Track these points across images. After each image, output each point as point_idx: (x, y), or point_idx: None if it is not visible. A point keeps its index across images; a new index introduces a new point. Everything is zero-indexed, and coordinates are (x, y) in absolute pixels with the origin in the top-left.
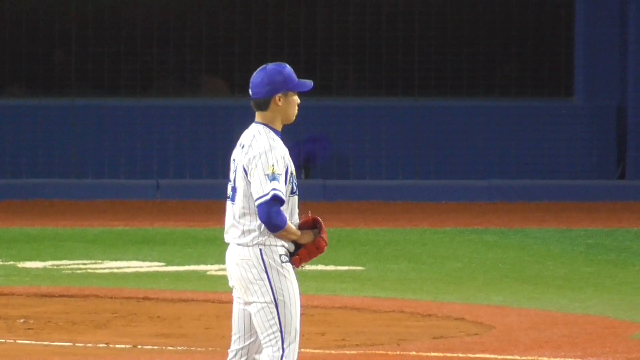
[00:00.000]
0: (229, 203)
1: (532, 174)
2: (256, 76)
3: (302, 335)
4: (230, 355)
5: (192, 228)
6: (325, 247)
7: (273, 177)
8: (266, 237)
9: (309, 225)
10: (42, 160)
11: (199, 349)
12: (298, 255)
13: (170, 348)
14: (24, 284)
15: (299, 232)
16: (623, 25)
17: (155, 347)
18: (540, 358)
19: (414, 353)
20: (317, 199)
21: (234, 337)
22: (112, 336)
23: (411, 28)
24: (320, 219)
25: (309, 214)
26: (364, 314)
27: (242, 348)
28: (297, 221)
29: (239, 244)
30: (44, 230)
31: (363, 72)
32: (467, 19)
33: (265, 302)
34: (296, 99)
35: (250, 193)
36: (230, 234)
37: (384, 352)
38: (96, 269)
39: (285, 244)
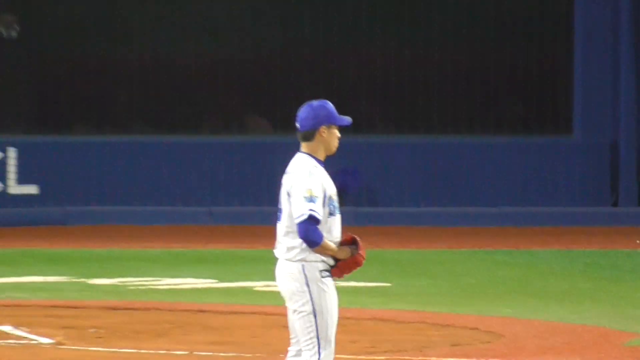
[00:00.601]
0: (278, 223)
1: (537, 202)
2: (303, 111)
3: (336, 342)
4: (290, 353)
5: (241, 249)
6: (363, 262)
7: (310, 199)
8: (307, 253)
9: (349, 242)
10: (109, 190)
11: (247, 355)
12: (337, 267)
13: (222, 354)
14: (94, 299)
15: (335, 248)
16: (616, 73)
17: (209, 354)
18: None
19: (434, 359)
20: (349, 223)
21: (292, 340)
22: (170, 344)
23: (430, 74)
24: (358, 238)
25: (349, 234)
26: (390, 324)
27: (300, 350)
28: (339, 239)
29: (285, 259)
30: (111, 251)
31: (388, 113)
32: (479, 66)
33: (306, 311)
34: (337, 132)
35: (290, 213)
36: (278, 249)
37: (408, 357)
38: (157, 285)
39: (325, 259)
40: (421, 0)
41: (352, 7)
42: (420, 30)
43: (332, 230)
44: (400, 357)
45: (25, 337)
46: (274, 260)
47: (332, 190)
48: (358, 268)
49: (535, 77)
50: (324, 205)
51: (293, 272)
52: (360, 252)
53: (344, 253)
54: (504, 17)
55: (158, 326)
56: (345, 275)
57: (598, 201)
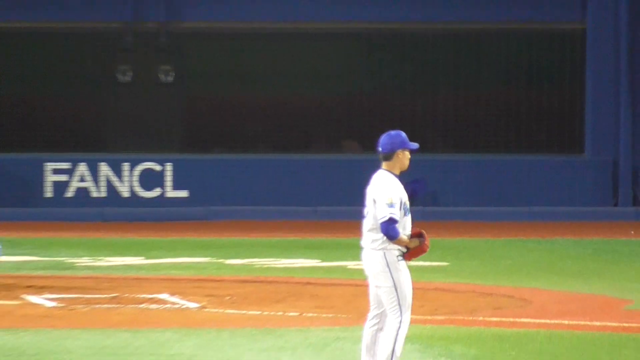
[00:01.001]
0: (364, 221)
1: (558, 203)
2: (384, 138)
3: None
4: (369, 317)
5: (338, 238)
6: (427, 249)
7: (390, 205)
8: (387, 244)
9: (417, 235)
10: (240, 194)
11: (342, 315)
12: (408, 253)
13: (323, 315)
14: (230, 274)
15: (408, 240)
16: (616, 108)
17: (314, 315)
18: (562, 321)
19: (481, 318)
20: (418, 219)
21: (371, 307)
22: (285, 308)
23: (478, 109)
24: (424, 231)
25: (417, 228)
26: (448, 294)
27: (376, 315)
28: (409, 232)
29: (370, 248)
30: (242, 240)
31: (447, 138)
32: (514, 102)
33: (388, 286)
34: (408, 154)
35: (375, 215)
36: (364, 241)
37: (462, 317)
38: (276, 264)
39: (400, 248)
40: (471, 55)
41: (421, 60)
42: (471, 77)
43: (406, 227)
44: (456, 317)
45: (178, 303)
46: (359, 248)
47: (405, 197)
48: (423, 254)
49: (556, 111)
50: (400, 209)
51: (377, 257)
52: (426, 242)
53: (414, 243)
54: (533, 65)
55: (276, 294)
56: (414, 259)
57: (603, 203)
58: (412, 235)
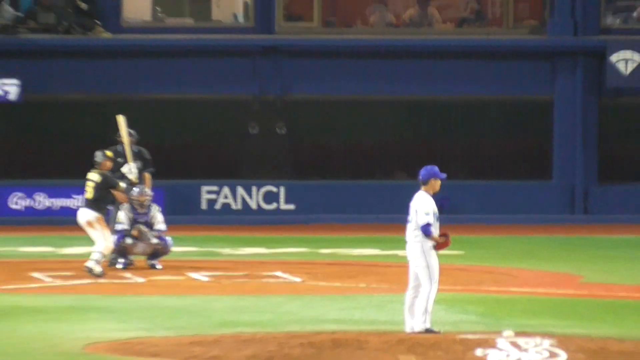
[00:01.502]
0: (408, 224)
1: (536, 212)
2: (423, 170)
3: (438, 282)
4: (409, 288)
5: (392, 235)
6: (450, 244)
7: (427, 214)
8: (423, 239)
9: (443, 234)
10: (330, 206)
11: (395, 286)
12: (437, 246)
13: (383, 286)
14: (321, 259)
15: (437, 237)
16: (575, 149)
17: (376, 286)
18: (538, 289)
19: (492, 288)
20: (444, 223)
21: (410, 282)
22: (357, 281)
23: (477, 154)
24: (448, 232)
25: (443, 229)
26: (463, 272)
27: (413, 287)
28: (438, 232)
29: (413, 241)
30: (329, 237)
31: (462, 169)
32: (502, 148)
33: (423, 266)
34: (439, 182)
35: (416, 220)
36: (408, 236)
37: (472, 287)
38: (351, 253)
39: (431, 242)
40: (476, 117)
41: (442, 121)
42: (475, 133)
43: (436, 229)
44: (468, 287)
45: (287, 278)
46: (404, 242)
47: (435, 209)
48: (447, 247)
49: (534, 152)
50: (432, 217)
51: (416, 247)
52: (449, 239)
53: (442, 239)
54: (518, 126)
55: (351, 273)
56: (441, 250)
57: (564, 212)
58: (440, 235)
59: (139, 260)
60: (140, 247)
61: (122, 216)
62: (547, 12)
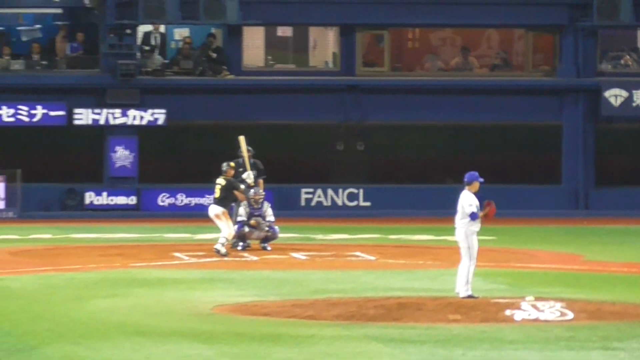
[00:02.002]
0: (456, 215)
1: (549, 208)
2: (468, 174)
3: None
4: (461, 262)
5: (444, 226)
6: (494, 210)
7: (470, 205)
8: (467, 224)
9: (487, 203)
10: (396, 203)
11: (445, 262)
12: (487, 215)
13: (436, 263)
14: (389, 243)
15: (481, 214)
16: (577, 160)
17: (432, 262)
18: (551, 265)
19: (510, 264)
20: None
21: (462, 258)
22: (417, 260)
23: (499, 166)
24: (492, 202)
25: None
26: (494, 252)
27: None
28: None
29: (459, 226)
30: (396, 227)
31: (495, 175)
32: (519, 162)
33: (466, 247)
34: (479, 184)
35: (463, 212)
36: (457, 224)
37: (501, 263)
38: (412, 238)
39: (476, 225)
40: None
41: (474, 141)
42: (501, 148)
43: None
44: (498, 264)
45: (364, 257)
46: (453, 228)
47: (477, 202)
48: (495, 212)
49: (547, 164)
50: (475, 207)
51: (462, 231)
52: (492, 205)
53: (486, 210)
54: (525, 136)
55: (412, 253)
56: (487, 220)
57: (570, 209)
58: (485, 206)
59: (254, 243)
60: (255, 233)
61: (242, 211)
62: (557, 60)
